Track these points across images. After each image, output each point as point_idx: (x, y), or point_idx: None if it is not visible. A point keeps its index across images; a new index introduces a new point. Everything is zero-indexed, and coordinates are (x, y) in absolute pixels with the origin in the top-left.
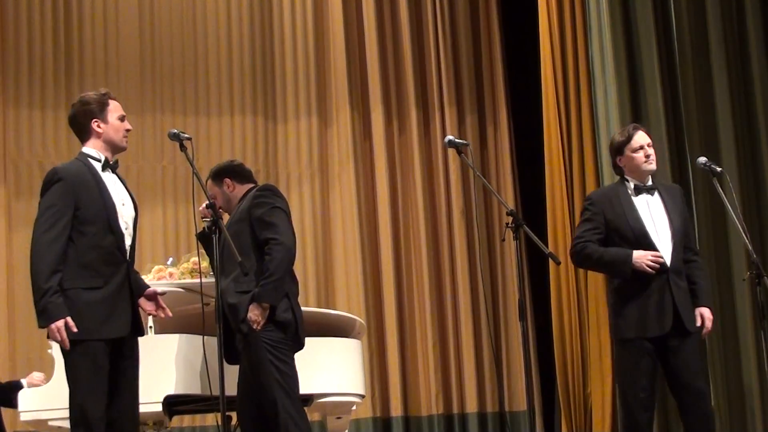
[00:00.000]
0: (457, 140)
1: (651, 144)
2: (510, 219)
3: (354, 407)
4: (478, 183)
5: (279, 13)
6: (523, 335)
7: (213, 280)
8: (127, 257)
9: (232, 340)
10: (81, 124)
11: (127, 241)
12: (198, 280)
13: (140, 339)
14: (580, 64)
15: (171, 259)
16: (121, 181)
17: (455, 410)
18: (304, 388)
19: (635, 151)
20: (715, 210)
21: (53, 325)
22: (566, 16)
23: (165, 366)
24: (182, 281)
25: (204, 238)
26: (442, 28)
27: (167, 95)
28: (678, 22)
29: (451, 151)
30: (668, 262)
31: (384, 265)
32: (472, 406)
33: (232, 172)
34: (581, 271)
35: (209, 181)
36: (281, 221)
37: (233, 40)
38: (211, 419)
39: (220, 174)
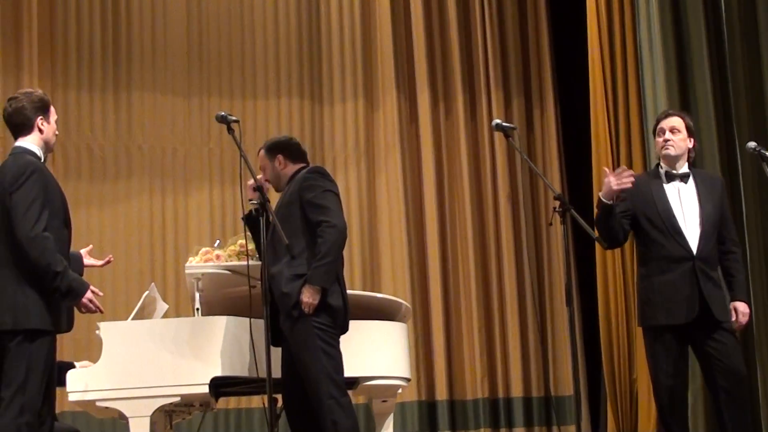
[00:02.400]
0: (504, 124)
1: (678, 129)
2: (557, 203)
3: (399, 390)
4: (525, 167)
5: None
6: (570, 320)
7: (260, 262)
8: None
9: (277, 321)
10: (26, 117)
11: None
12: (245, 263)
13: (187, 321)
14: (627, 47)
15: (218, 242)
16: None
17: (500, 394)
18: (350, 371)
19: (658, 134)
20: (764, 195)
21: (84, 299)
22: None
23: (211, 348)
24: (229, 263)
25: (250, 221)
26: (489, 11)
27: (214, 78)
28: (727, 6)
29: (498, 135)
30: (694, 250)
31: (430, 249)
32: (517, 391)
33: (287, 148)
34: (628, 255)
35: (262, 152)
36: (333, 204)
37: (280, 23)
38: (257, 401)
39: (274, 149)
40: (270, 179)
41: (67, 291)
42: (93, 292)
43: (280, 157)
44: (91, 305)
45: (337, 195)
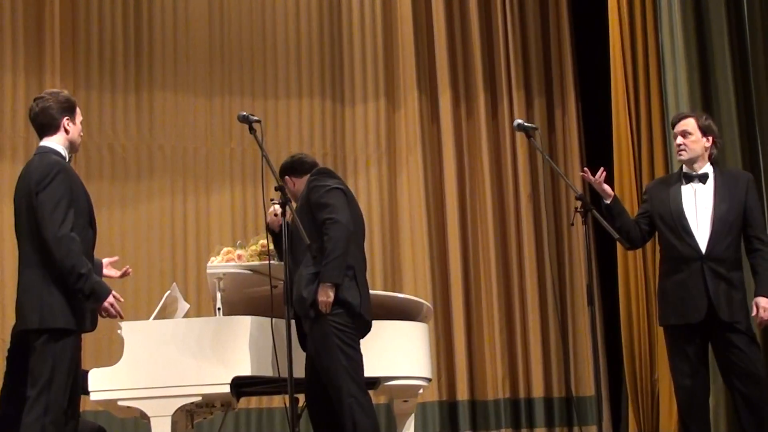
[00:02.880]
0: (526, 124)
1: (689, 132)
2: (579, 203)
3: (421, 391)
4: (546, 167)
5: None
6: (591, 320)
7: (281, 262)
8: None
9: (302, 324)
10: (52, 117)
11: None
12: (266, 263)
13: (208, 321)
14: (649, 46)
15: (239, 242)
16: None
17: (521, 395)
18: (371, 371)
19: (674, 139)
20: None
21: (106, 303)
22: None
23: (233, 348)
24: (250, 263)
25: (273, 231)
26: (511, 11)
27: (236, 78)
28: (749, 5)
29: (519, 135)
30: (703, 250)
31: (451, 249)
32: (538, 391)
33: (290, 168)
34: (650, 255)
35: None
36: (335, 200)
37: (302, 23)
38: (279, 401)
39: (282, 173)
40: (293, 199)
41: (89, 293)
42: (114, 297)
43: (287, 178)
44: (111, 309)
45: (342, 190)
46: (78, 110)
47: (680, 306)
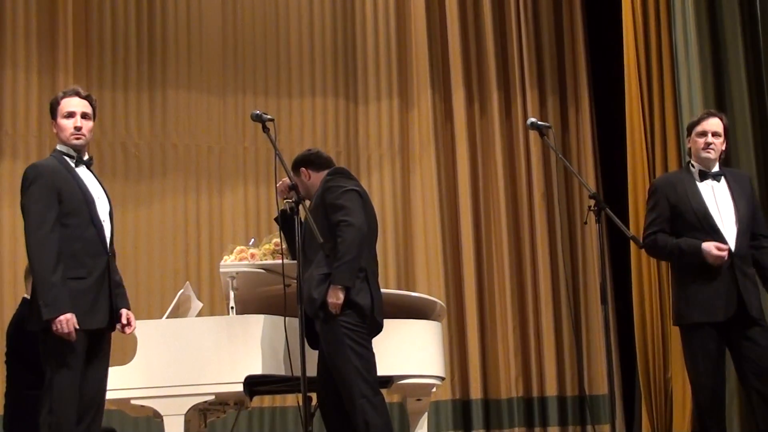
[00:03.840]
0: (539, 122)
1: (719, 133)
2: (592, 202)
3: (434, 389)
4: (560, 166)
5: None
6: (605, 319)
7: (295, 261)
8: (108, 250)
9: (313, 324)
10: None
11: (107, 234)
12: (279, 261)
13: (221, 319)
14: (663, 46)
15: (253, 240)
16: (96, 177)
17: (535, 393)
18: (385, 370)
19: (699, 135)
20: None
21: (62, 317)
22: None
23: (246, 347)
24: (264, 262)
25: (283, 221)
26: (524, 10)
27: (249, 76)
28: (762, 6)
29: (533, 134)
30: (732, 248)
31: (464, 248)
32: (551, 390)
33: (308, 161)
34: None
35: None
36: (350, 202)
37: (315, 22)
38: (292, 400)
39: (297, 164)
40: (302, 193)
41: (50, 302)
42: (69, 320)
43: (304, 170)
44: (64, 327)
45: (358, 192)
46: (60, 107)
47: (708, 304)
